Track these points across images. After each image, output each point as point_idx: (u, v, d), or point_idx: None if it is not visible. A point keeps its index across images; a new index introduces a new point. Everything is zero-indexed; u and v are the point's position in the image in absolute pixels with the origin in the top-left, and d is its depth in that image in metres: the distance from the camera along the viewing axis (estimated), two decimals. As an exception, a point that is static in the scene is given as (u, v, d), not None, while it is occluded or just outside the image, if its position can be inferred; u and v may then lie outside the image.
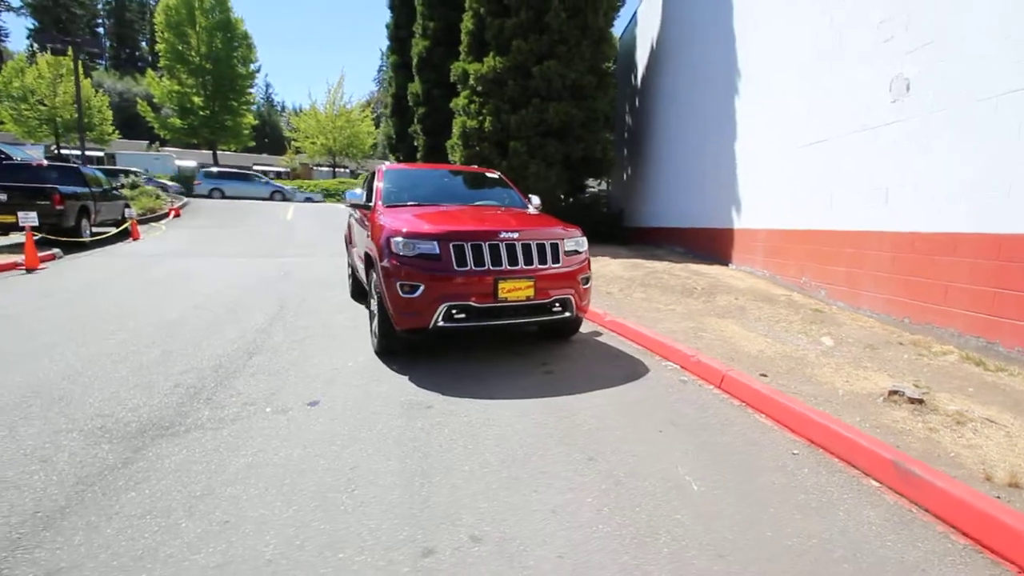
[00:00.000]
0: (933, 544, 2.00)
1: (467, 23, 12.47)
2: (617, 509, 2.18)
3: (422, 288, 3.79)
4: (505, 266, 3.89)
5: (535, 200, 5.60)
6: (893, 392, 3.31)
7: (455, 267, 3.81)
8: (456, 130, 12.24)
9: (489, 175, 5.90)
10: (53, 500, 2.17)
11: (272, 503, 2.18)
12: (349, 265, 7.05)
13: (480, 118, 11.79)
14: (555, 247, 4.13)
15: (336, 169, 42.74)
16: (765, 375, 3.73)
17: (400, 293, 3.84)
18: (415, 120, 15.53)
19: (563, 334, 4.86)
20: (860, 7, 5.23)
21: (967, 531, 2.02)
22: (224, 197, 25.40)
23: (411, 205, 4.90)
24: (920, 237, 4.48)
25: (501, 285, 3.84)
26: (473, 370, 4.00)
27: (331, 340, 4.75)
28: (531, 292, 3.96)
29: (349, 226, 6.61)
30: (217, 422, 2.98)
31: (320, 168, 44.91)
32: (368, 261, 4.53)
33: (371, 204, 4.99)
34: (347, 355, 4.33)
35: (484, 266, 3.85)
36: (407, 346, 4.29)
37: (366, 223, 4.88)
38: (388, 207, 4.79)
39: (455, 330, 3.96)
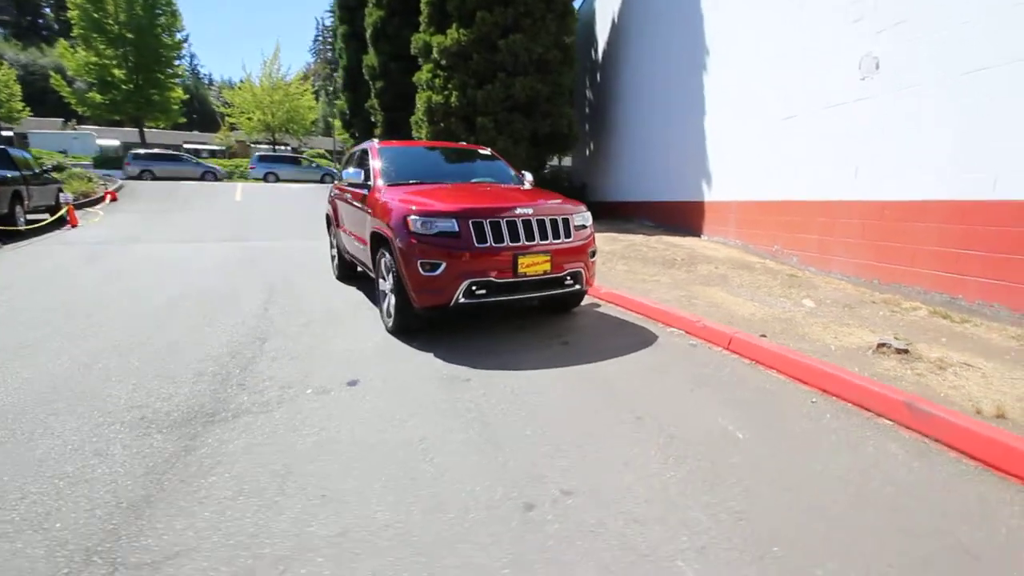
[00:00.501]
0: (951, 467, 2.33)
1: (426, -7, 12.13)
2: (681, 458, 2.39)
3: (443, 266, 3.84)
4: (523, 242, 4.00)
5: (528, 176, 5.70)
6: (881, 344, 3.70)
7: (475, 244, 3.88)
8: (421, 105, 12.01)
9: (482, 151, 5.92)
10: (131, 491, 2.15)
11: (360, 476, 2.25)
12: (334, 247, 6.92)
13: (446, 92, 11.61)
14: (566, 222, 4.27)
15: (276, 147, 40.69)
16: (764, 335, 4.06)
17: (421, 272, 3.88)
18: (372, 95, 15.05)
19: (567, 307, 5.04)
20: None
21: (975, 455, 2.37)
22: (155, 179, 24.07)
23: (413, 183, 4.88)
24: (889, 205, 4.94)
25: (521, 260, 3.95)
26: (493, 345, 4.11)
27: (338, 324, 4.71)
28: (548, 267, 4.09)
29: (334, 207, 6.47)
30: (262, 406, 2.97)
31: (258, 146, 42.59)
32: (377, 240, 4.51)
33: (370, 183, 4.93)
34: (361, 336, 4.33)
35: (503, 242, 3.94)
36: (424, 324, 4.33)
37: (366, 203, 4.83)
38: (391, 186, 4.75)
39: (475, 306, 4.05)
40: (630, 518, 1.97)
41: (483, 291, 3.95)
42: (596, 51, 13.92)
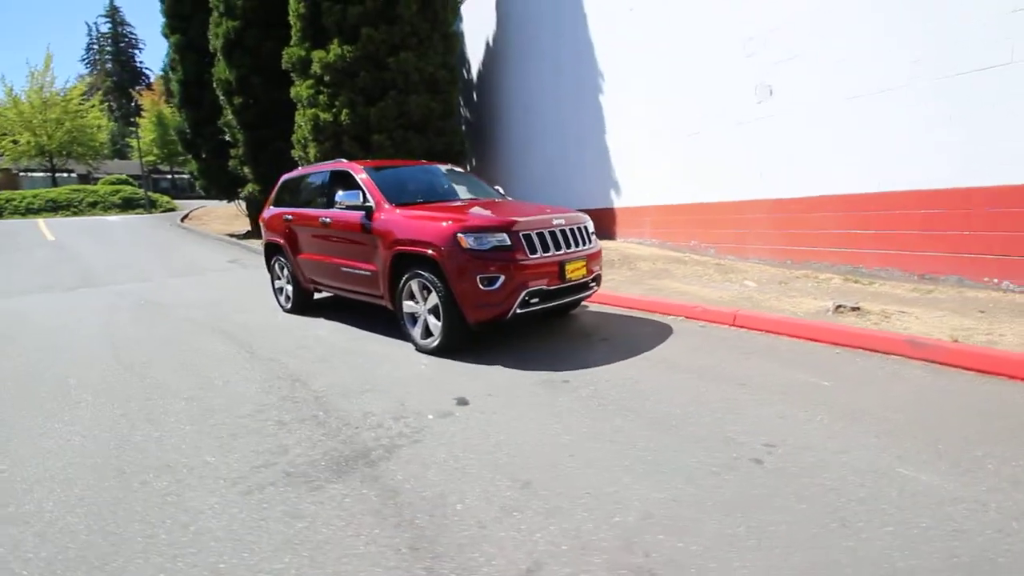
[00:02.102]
0: (961, 377, 3.28)
1: (297, 6, 11.48)
2: (815, 405, 2.95)
3: (502, 279, 3.96)
4: (564, 250, 4.30)
5: (500, 189, 5.96)
6: (839, 306, 4.79)
7: (528, 255, 4.07)
8: (305, 123, 11.30)
9: (457, 169, 6.02)
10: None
11: (567, 476, 2.38)
12: (280, 278, 6.34)
13: (334, 110, 11.11)
14: (586, 229, 4.67)
15: (57, 174, 33.61)
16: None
17: (480, 287, 3.94)
18: (228, 111, 13.55)
19: (569, 308, 5.40)
20: (728, 27, 6.86)
21: (969, 366, 3.35)
22: None
23: (421, 203, 4.84)
24: (794, 201, 6.29)
25: (567, 267, 4.25)
26: (541, 351, 4.30)
27: (359, 354, 4.46)
28: (584, 271, 4.45)
29: (287, 234, 5.92)
30: (401, 437, 2.83)
31: (32, 174, 34.69)
32: (405, 262, 4.38)
33: (369, 206, 4.74)
34: (405, 361, 4.21)
35: (549, 251, 4.20)
36: (470, 340, 4.33)
37: (372, 226, 4.64)
38: (402, 206, 4.65)
39: (527, 315, 4.22)
40: (838, 450, 2.46)
41: (536, 300, 4.15)
42: (469, 71, 14.48)
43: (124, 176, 33.35)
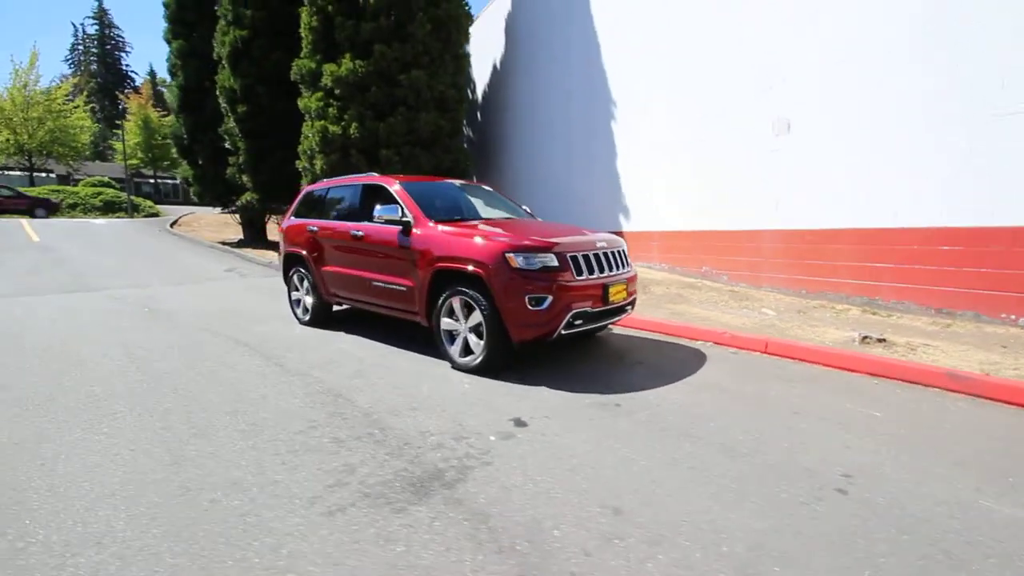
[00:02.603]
0: (1003, 410, 3.37)
1: (309, 19, 11.53)
2: (875, 436, 2.99)
3: (550, 299, 3.96)
4: (607, 272, 4.33)
5: (527, 208, 6.00)
6: (864, 337, 4.90)
7: (575, 276, 4.08)
8: (314, 134, 11.23)
9: (485, 187, 6.03)
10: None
11: (657, 503, 2.36)
12: (299, 290, 6.23)
13: (343, 123, 11.09)
14: (623, 252, 4.72)
15: (36, 173, 32.70)
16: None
17: (528, 306, 3.93)
18: (232, 119, 13.40)
19: (599, 330, 5.39)
20: (747, 61, 7.10)
21: (1009, 399, 3.45)
22: None
23: (458, 220, 4.83)
24: (810, 232, 6.46)
25: (610, 290, 4.27)
26: (581, 371, 4.29)
27: (400, 373, 4.33)
28: (624, 294, 4.48)
29: (311, 246, 5.83)
30: (470, 458, 2.77)
31: (9, 172, 33.66)
32: (447, 279, 4.35)
33: (407, 221, 4.71)
34: (444, 379, 4.15)
35: (594, 273, 4.22)
36: (512, 359, 4.30)
37: (411, 242, 4.61)
38: (442, 223, 4.63)
39: (571, 336, 4.22)
40: (915, 481, 2.49)
41: (579, 321, 4.15)
42: (474, 91, 14.64)
43: (106, 179, 32.54)
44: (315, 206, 6.10)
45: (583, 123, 10.38)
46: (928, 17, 5.41)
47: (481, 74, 14.22)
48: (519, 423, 3.25)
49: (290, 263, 6.31)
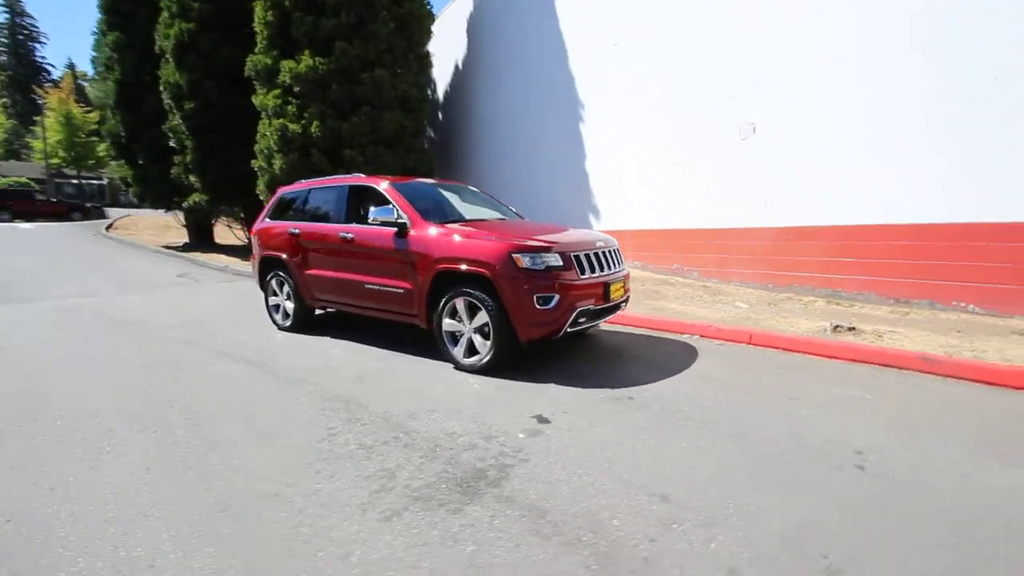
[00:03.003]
0: (970, 387, 3.74)
1: (264, 14, 11.08)
2: (873, 416, 3.24)
3: (557, 298, 4.03)
4: (607, 271, 4.45)
5: (514, 208, 6.05)
6: (836, 326, 5.27)
7: (580, 275, 4.18)
8: (272, 133, 10.82)
9: (472, 188, 6.02)
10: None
11: (699, 490, 2.49)
12: (277, 295, 6.02)
13: (303, 122, 10.74)
14: (618, 251, 4.86)
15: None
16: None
17: (536, 306, 3.99)
18: (177, 116, 12.66)
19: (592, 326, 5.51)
20: (715, 67, 7.43)
21: (975, 377, 3.83)
22: None
23: (454, 221, 4.82)
24: (785, 230, 6.86)
25: (611, 287, 4.39)
26: (585, 368, 4.39)
27: (404, 377, 4.28)
28: (622, 291, 4.62)
29: (294, 249, 5.63)
30: (505, 456, 2.80)
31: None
32: (450, 280, 4.33)
33: (403, 222, 4.66)
34: (452, 380, 4.15)
35: (596, 272, 4.33)
36: (519, 358, 4.35)
37: (408, 243, 4.57)
38: (441, 224, 4.61)
39: (574, 333, 4.31)
40: (923, 456, 2.73)
41: (583, 319, 4.25)
42: (435, 91, 14.51)
43: (23, 179, 29.88)
44: (294, 208, 5.91)
45: (548, 123, 10.53)
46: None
47: (442, 74, 14.12)
48: (542, 420, 3.31)
49: (267, 267, 6.07)
